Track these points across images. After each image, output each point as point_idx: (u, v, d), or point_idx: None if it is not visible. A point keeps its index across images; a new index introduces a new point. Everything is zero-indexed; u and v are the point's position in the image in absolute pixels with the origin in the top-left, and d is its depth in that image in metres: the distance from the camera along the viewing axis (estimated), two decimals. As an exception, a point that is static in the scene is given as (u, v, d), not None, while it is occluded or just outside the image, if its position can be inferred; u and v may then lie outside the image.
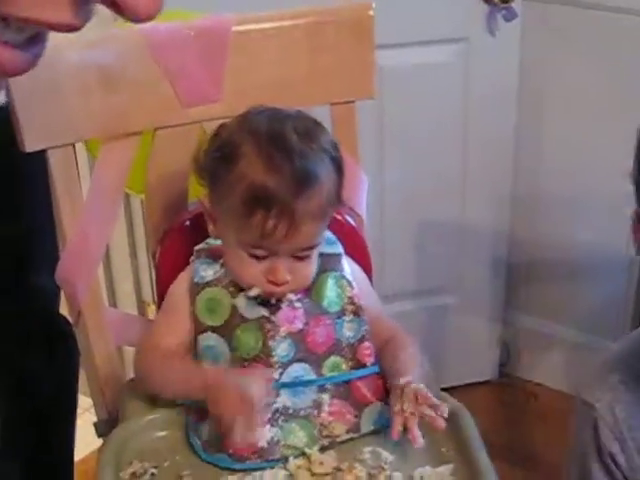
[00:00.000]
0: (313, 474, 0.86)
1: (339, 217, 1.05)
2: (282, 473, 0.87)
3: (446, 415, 0.83)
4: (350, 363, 0.94)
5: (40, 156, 1.00)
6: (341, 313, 0.94)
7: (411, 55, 1.61)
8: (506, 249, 1.85)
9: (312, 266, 0.92)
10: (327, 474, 0.86)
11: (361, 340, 0.95)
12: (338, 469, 0.87)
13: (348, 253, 1.00)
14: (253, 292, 0.90)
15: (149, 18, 0.35)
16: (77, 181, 1.04)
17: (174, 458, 0.89)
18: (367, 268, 1.06)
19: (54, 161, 1.01)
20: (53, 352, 1.26)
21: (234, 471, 0.87)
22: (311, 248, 0.90)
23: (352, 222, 1.09)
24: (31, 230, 1.20)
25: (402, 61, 1.60)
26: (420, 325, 1.79)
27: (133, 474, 0.86)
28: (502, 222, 1.81)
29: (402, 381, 0.86)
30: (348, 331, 0.94)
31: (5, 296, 1.21)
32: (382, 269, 1.54)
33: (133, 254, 1.62)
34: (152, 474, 0.87)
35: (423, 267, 1.81)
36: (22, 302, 1.23)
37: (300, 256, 0.90)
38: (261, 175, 0.85)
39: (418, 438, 0.82)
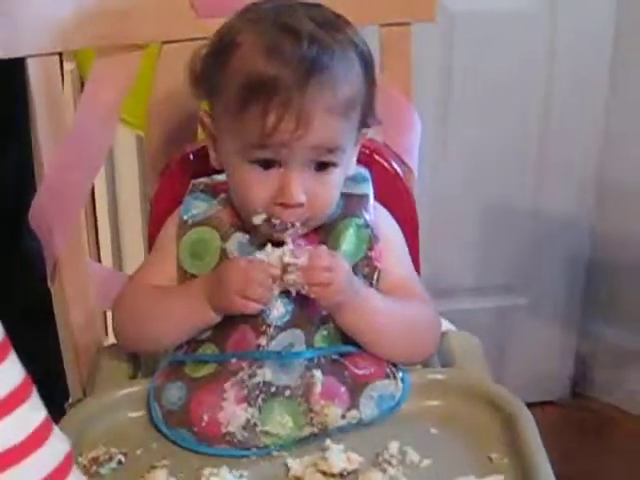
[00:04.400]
0: (325, 474, 0.76)
1: (380, 160, 0.95)
2: (283, 469, 0.77)
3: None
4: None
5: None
6: (353, 271, 0.84)
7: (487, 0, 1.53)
8: (588, 244, 1.73)
9: (334, 190, 0.83)
10: (343, 475, 0.76)
11: None
12: (353, 471, 0.76)
13: (389, 207, 0.92)
14: (257, 219, 0.80)
15: None
16: (62, 101, 0.97)
17: (149, 445, 0.81)
18: (411, 230, 0.96)
19: (34, 74, 0.93)
20: (48, 329, 1.15)
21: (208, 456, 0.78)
22: (332, 151, 0.79)
23: (398, 169, 0.98)
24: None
25: (477, 7, 1.51)
26: (480, 328, 1.66)
27: (94, 459, 0.79)
28: (585, 211, 1.69)
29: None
30: None
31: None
32: (438, 259, 1.48)
33: (144, 208, 1.54)
34: (119, 461, 0.80)
35: (487, 260, 1.71)
36: (16, 270, 1.22)
37: (321, 162, 0.79)
38: (260, 62, 0.77)
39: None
